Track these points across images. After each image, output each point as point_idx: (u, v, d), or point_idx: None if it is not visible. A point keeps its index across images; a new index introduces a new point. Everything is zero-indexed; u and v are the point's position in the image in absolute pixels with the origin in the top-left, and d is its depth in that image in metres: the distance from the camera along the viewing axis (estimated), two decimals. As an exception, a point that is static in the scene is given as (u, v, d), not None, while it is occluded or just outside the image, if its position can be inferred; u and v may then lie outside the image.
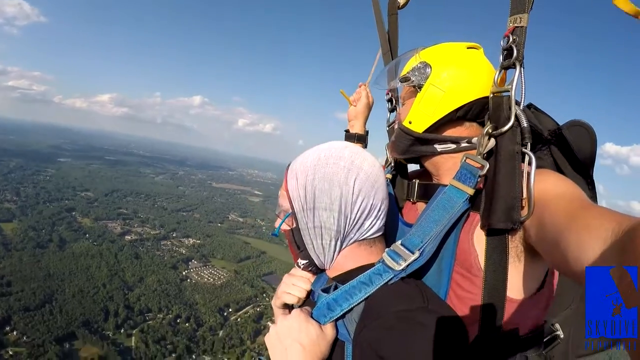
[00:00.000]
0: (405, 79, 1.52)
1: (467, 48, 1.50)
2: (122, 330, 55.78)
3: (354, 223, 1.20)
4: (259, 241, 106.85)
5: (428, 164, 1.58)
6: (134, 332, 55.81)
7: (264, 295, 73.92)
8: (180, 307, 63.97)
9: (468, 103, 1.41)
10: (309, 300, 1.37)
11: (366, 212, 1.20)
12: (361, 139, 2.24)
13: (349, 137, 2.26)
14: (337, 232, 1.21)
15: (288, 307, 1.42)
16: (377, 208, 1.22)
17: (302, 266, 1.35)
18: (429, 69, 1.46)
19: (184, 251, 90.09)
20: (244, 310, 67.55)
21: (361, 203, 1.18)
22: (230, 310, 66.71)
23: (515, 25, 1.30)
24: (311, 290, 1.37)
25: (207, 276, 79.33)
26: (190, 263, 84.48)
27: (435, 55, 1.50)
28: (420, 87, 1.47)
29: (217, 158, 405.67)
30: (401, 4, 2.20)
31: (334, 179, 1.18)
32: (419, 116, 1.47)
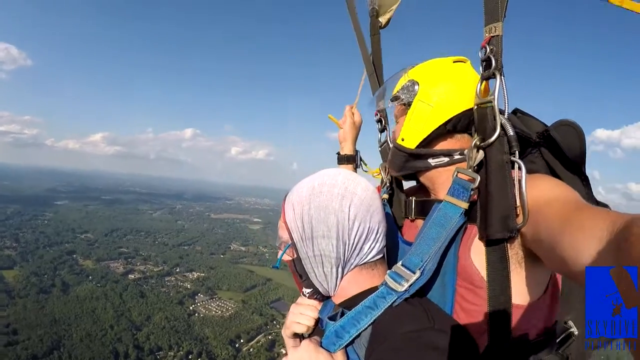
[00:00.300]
0: (395, 98, 1.57)
1: (454, 62, 1.53)
2: (134, 372, 54.10)
3: (353, 248, 1.21)
4: (263, 269, 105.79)
5: (423, 179, 1.59)
6: (146, 372, 54.13)
7: (274, 322, 72.92)
8: (191, 342, 62.67)
9: (456, 115, 1.43)
10: (318, 328, 1.36)
11: (364, 236, 1.20)
12: (350, 160, 2.29)
13: (341, 159, 2.32)
14: (337, 259, 1.21)
15: (298, 336, 1.42)
16: (375, 231, 1.23)
17: (307, 295, 1.35)
18: (417, 86, 1.50)
19: (189, 286, 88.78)
20: (255, 339, 66.18)
21: (358, 228, 1.19)
22: (241, 341, 65.31)
23: (491, 34, 1.31)
24: (319, 318, 1.37)
25: (214, 309, 78.10)
26: (196, 297, 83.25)
27: (422, 73, 1.53)
28: (409, 104, 1.51)
29: (213, 189, 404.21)
30: (382, 24, 2.25)
31: (329, 206, 1.19)
32: (411, 132, 1.50)
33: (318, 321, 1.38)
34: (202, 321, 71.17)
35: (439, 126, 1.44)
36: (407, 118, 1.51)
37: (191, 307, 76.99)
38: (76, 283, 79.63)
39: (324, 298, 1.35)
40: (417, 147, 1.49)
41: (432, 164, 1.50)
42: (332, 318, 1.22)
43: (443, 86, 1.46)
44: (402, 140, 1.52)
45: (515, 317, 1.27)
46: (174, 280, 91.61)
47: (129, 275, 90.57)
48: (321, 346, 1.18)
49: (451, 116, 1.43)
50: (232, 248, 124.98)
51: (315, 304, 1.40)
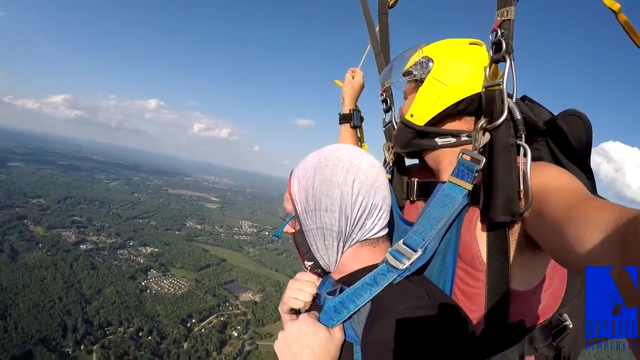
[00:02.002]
0: (407, 73, 1.56)
1: (470, 44, 1.52)
2: (82, 347, 53.65)
3: (355, 223, 1.20)
4: (218, 249, 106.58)
5: (428, 158, 1.61)
6: (94, 348, 53.86)
7: (227, 304, 74.01)
8: (142, 319, 62.52)
9: (469, 97, 1.42)
10: (315, 303, 1.36)
11: (367, 211, 1.20)
12: (347, 118, 2.37)
13: (340, 118, 2.40)
14: (339, 232, 1.21)
15: (295, 312, 1.43)
16: (378, 207, 1.22)
17: (308, 267, 1.36)
18: (431, 63, 1.49)
19: (142, 260, 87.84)
20: (207, 320, 66.82)
21: (361, 203, 1.19)
22: (193, 321, 65.74)
23: (503, 18, 1.32)
24: (317, 293, 1.37)
25: (167, 286, 77.75)
26: (149, 273, 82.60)
27: (437, 51, 1.52)
28: (422, 81, 1.50)
29: (173, 164, 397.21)
30: (391, 3, 2.23)
31: (333, 180, 1.19)
32: (421, 109, 1.50)
33: (316, 297, 1.38)
34: (153, 298, 70.84)
35: (450, 106, 1.44)
36: (418, 94, 1.51)
37: (143, 283, 76.39)
38: (25, 250, 76.81)
39: (324, 273, 1.36)
40: (426, 124, 1.50)
41: (439, 143, 1.52)
42: (331, 293, 1.22)
43: (458, 66, 1.45)
44: (412, 116, 1.53)
45: (513, 302, 1.28)
46: (127, 254, 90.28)
47: (81, 246, 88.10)
48: (319, 321, 1.17)
49: (463, 97, 1.43)
50: (187, 225, 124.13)
51: (314, 280, 1.40)
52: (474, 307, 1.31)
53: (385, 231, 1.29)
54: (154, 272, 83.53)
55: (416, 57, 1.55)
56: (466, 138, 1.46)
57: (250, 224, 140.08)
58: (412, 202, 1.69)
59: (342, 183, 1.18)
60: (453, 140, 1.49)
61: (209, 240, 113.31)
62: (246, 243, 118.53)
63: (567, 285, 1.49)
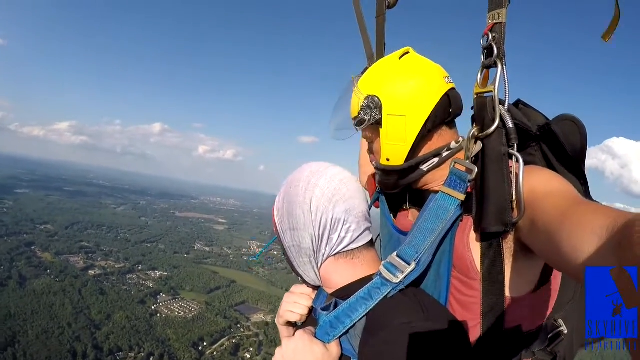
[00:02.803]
0: (360, 122, 1.45)
1: (400, 58, 1.45)
2: (92, 373, 52.30)
3: (320, 239, 1.21)
4: (227, 270, 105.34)
5: (419, 184, 1.53)
6: (105, 373, 52.47)
7: (238, 326, 72.68)
8: (152, 344, 61.39)
9: (432, 112, 1.37)
10: (311, 316, 1.37)
11: (328, 226, 1.20)
12: None
13: None
14: (307, 249, 1.23)
15: (292, 325, 1.44)
16: (341, 221, 1.20)
17: (300, 280, 1.37)
18: (379, 101, 1.40)
19: (151, 284, 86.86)
20: (219, 343, 65.67)
21: (320, 219, 1.19)
22: (205, 344, 64.48)
23: (494, 21, 1.28)
24: (313, 306, 1.37)
25: (177, 309, 76.64)
26: (158, 297, 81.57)
27: (375, 83, 1.43)
28: (379, 122, 1.42)
29: (179, 187, 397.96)
30: (391, 3, 2.05)
31: (295, 200, 1.23)
32: (393, 150, 1.43)
33: (312, 310, 1.38)
34: (164, 322, 69.74)
35: (420, 131, 1.38)
36: (382, 137, 1.44)
37: (153, 307, 75.35)
38: (34, 276, 76.14)
39: (317, 286, 1.36)
40: (406, 161, 1.44)
41: (425, 170, 1.46)
42: (326, 309, 1.22)
43: (405, 89, 1.37)
44: (388, 160, 1.47)
45: (509, 309, 1.28)
46: (136, 279, 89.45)
47: (89, 271, 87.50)
48: (315, 336, 1.18)
49: (428, 115, 1.37)
50: (196, 248, 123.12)
51: (309, 292, 1.40)
52: (470, 316, 1.32)
53: (362, 242, 1.26)
54: (164, 296, 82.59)
55: (358, 101, 1.45)
56: (447, 152, 1.44)
57: (258, 244, 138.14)
58: (406, 209, 1.66)
59: (301, 202, 1.21)
60: (436, 160, 1.45)
61: (217, 262, 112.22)
62: (255, 263, 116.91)
63: (561, 290, 1.48)
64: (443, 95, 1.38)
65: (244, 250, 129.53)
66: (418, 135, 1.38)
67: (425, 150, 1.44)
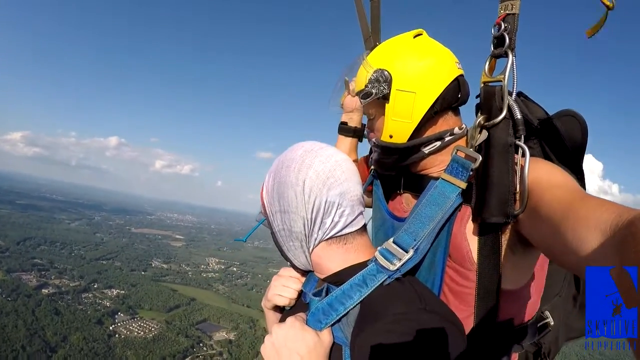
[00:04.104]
0: (366, 95, 1.39)
1: (414, 37, 1.42)
2: (50, 399, 50.29)
3: (313, 223, 1.15)
4: (187, 287, 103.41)
5: (416, 167, 1.50)
6: (64, 398, 50.66)
7: (201, 344, 71.82)
8: (112, 366, 59.29)
9: (441, 93, 1.34)
10: (300, 301, 1.33)
11: (322, 210, 1.13)
12: (358, 133, 2.17)
13: (346, 130, 2.17)
14: (299, 233, 1.17)
15: (279, 309, 1.41)
16: (335, 204, 1.14)
17: (290, 265, 1.34)
18: (389, 75, 1.35)
19: (108, 304, 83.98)
20: (182, 363, 64.22)
21: (314, 202, 1.13)
22: (167, 364, 62.98)
23: (507, 12, 1.27)
24: (302, 290, 1.32)
25: (136, 329, 74.43)
26: (116, 316, 78.92)
27: (387, 58, 1.39)
28: (386, 97, 1.37)
29: (135, 202, 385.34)
30: None
31: (286, 181, 1.16)
32: (398, 126, 1.39)
33: (301, 294, 1.33)
34: (123, 343, 67.72)
35: (428, 110, 1.34)
36: (388, 112, 1.39)
37: (111, 327, 72.85)
38: (-16, 296, 72.37)
39: (307, 270, 1.31)
40: (409, 139, 1.40)
41: (426, 152, 1.42)
42: (317, 294, 1.18)
43: (418, 66, 1.34)
44: (391, 137, 1.42)
45: (503, 302, 1.27)
46: (92, 297, 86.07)
47: (43, 290, 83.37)
48: (307, 324, 1.13)
49: (437, 96, 1.34)
50: (153, 265, 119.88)
51: (298, 276, 1.35)
52: (463, 307, 1.30)
53: (355, 227, 1.20)
54: (122, 315, 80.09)
55: (365, 73, 1.41)
56: (449, 137, 1.41)
57: (217, 260, 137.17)
58: (400, 194, 1.62)
59: (294, 184, 1.14)
60: (438, 144, 1.41)
61: (176, 280, 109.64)
62: (215, 280, 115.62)
63: (548, 283, 1.49)
64: (454, 80, 1.36)
65: (202, 267, 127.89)
66: (425, 115, 1.35)
67: (429, 132, 1.41)
